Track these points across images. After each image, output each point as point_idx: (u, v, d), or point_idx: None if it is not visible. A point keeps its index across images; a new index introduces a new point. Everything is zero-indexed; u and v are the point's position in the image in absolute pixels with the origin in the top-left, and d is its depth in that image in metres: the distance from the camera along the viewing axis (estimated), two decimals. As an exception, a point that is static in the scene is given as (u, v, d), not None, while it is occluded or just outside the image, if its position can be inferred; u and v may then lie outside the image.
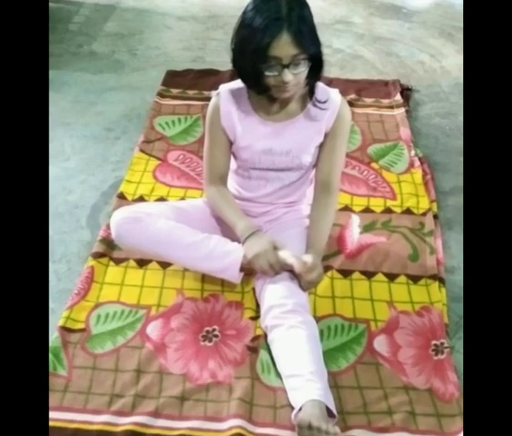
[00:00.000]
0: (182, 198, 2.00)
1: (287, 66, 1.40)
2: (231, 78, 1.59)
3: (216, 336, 1.55)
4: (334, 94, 1.59)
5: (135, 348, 1.51)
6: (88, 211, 2.00)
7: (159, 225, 1.58)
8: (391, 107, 2.58)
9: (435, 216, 1.96)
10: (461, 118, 2.52)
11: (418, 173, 2.14)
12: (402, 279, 1.72)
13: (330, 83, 2.52)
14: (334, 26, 3.48)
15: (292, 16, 1.37)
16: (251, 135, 1.59)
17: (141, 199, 2.01)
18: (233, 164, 1.69)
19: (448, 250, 1.86)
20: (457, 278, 1.75)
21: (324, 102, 1.56)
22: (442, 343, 1.53)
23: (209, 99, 1.67)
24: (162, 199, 2.01)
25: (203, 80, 2.76)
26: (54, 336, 1.52)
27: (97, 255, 1.75)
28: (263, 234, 1.60)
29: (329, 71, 2.69)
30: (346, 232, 1.88)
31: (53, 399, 1.38)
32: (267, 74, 1.42)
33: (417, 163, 2.20)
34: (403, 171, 2.18)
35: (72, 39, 3.28)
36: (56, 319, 1.57)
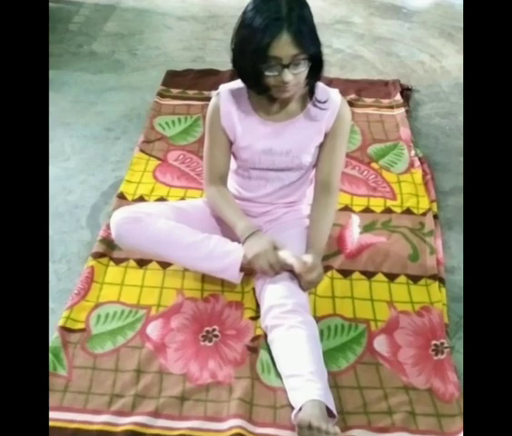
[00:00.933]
0: (182, 198, 2.00)
1: (287, 66, 1.40)
2: (231, 78, 1.59)
3: (216, 336, 1.55)
4: (334, 94, 1.59)
5: (135, 348, 1.51)
6: (88, 211, 2.00)
7: (159, 225, 1.58)
8: (391, 107, 2.58)
9: (435, 216, 1.95)
10: (461, 118, 2.52)
11: (418, 173, 2.14)
12: (402, 279, 1.72)
13: (330, 83, 2.52)
14: (334, 26, 3.48)
15: (292, 16, 1.37)
16: (251, 135, 1.59)
17: (141, 199, 2.01)
18: (233, 164, 1.69)
19: (448, 250, 1.86)
20: (457, 278, 1.75)
21: (324, 102, 1.56)
22: (442, 343, 1.53)
23: (209, 99, 1.67)
24: (162, 199, 2.01)
25: (203, 80, 2.76)
26: (54, 336, 1.52)
27: (97, 255, 1.75)
28: (263, 234, 1.60)
29: (329, 71, 2.69)
30: (346, 232, 1.88)
31: (53, 399, 1.38)
32: (267, 74, 1.42)
33: (417, 163, 2.20)
34: (403, 171, 2.18)
35: (72, 39, 3.28)
36: (56, 319, 1.57)
